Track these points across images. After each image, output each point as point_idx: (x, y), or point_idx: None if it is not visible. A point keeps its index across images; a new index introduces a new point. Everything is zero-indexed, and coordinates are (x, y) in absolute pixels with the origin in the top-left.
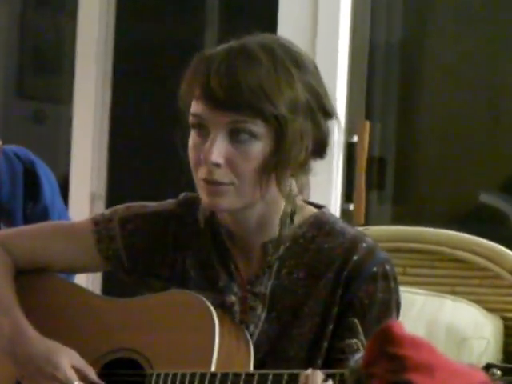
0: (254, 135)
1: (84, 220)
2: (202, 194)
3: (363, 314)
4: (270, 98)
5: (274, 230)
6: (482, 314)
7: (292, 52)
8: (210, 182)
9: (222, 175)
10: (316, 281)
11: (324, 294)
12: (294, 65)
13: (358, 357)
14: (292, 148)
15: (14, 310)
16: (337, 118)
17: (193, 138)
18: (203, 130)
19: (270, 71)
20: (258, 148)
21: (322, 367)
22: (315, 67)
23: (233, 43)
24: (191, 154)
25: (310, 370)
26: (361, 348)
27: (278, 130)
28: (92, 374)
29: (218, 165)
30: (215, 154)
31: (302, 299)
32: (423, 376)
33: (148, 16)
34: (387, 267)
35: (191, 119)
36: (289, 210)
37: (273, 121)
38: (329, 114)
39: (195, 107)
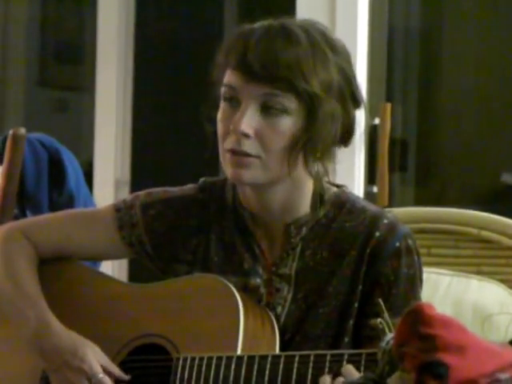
0: (285, 110)
1: (106, 207)
2: (227, 165)
3: (389, 291)
4: (305, 76)
5: (297, 212)
6: (508, 294)
7: (328, 36)
8: (237, 153)
9: (249, 146)
10: (340, 259)
11: (348, 272)
12: (329, 48)
13: (389, 338)
14: (322, 128)
15: (39, 302)
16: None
17: (223, 108)
18: (235, 101)
19: (307, 51)
20: (289, 123)
21: (351, 345)
22: (348, 54)
23: (272, 22)
24: (220, 124)
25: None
26: (386, 328)
27: (311, 107)
28: (115, 369)
29: (246, 135)
30: (245, 124)
31: (327, 278)
32: (454, 355)
33: (168, 4)
34: (409, 241)
35: (224, 90)
36: (318, 192)
37: (306, 98)
38: (357, 101)
39: (229, 78)
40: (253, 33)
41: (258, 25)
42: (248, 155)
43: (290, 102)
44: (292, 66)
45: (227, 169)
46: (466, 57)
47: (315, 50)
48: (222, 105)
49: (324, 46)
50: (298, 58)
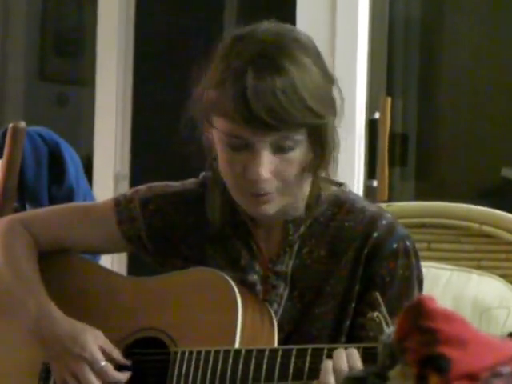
0: (296, 143)
1: (106, 201)
2: (248, 204)
3: (384, 291)
4: (310, 108)
5: (296, 211)
6: (508, 288)
7: (302, 39)
8: (260, 195)
9: (269, 186)
10: (337, 259)
11: (345, 272)
12: (305, 54)
13: (390, 331)
14: (329, 144)
15: (39, 291)
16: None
17: (227, 153)
18: (242, 145)
19: (298, 79)
20: (300, 152)
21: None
22: (314, 44)
23: (251, 51)
24: (228, 168)
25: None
26: (383, 321)
27: (319, 132)
28: (117, 354)
29: (266, 180)
30: (265, 170)
31: (324, 278)
32: (456, 349)
33: None
34: (407, 243)
35: (227, 137)
36: (315, 192)
37: (315, 126)
38: (333, 78)
39: (233, 129)
40: (242, 74)
41: (240, 60)
42: (270, 193)
43: (300, 135)
44: (297, 105)
45: (249, 207)
46: (466, 51)
47: (304, 70)
48: (225, 149)
49: (300, 54)
50: (297, 94)
